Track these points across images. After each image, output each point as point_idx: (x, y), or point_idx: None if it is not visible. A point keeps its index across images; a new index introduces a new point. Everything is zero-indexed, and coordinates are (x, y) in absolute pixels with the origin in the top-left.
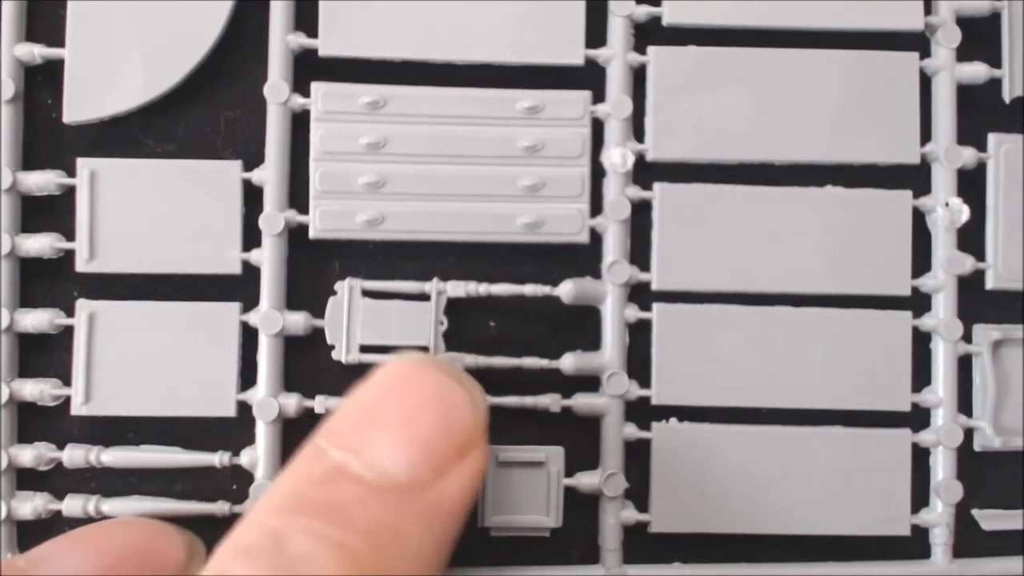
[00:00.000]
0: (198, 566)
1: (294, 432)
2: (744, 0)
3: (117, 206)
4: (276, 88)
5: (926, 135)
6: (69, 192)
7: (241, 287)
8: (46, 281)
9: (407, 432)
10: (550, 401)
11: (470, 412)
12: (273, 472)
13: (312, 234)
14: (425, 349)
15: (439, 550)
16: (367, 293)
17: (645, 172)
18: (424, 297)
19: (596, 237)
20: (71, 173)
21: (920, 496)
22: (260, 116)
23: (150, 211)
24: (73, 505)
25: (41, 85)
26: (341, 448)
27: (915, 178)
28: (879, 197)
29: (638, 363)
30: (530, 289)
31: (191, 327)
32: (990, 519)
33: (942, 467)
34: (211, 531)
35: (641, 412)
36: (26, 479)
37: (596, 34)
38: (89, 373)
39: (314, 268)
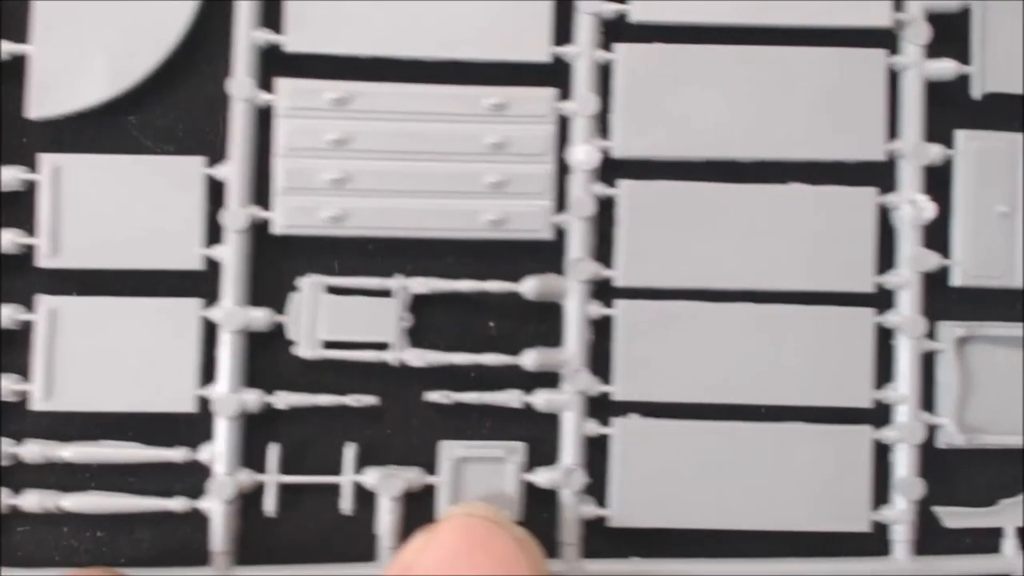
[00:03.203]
0: None
1: (255, 428)
2: None
3: (79, 202)
4: (241, 84)
5: (895, 132)
6: (31, 188)
7: (203, 283)
8: (7, 276)
9: None
10: (511, 397)
11: None
12: (232, 468)
13: (275, 230)
14: (388, 346)
15: None
16: (330, 289)
17: (610, 169)
18: (387, 293)
19: (561, 234)
20: (34, 169)
21: (882, 493)
22: (224, 112)
23: (112, 207)
24: (31, 500)
25: (5, 81)
26: None
27: (882, 175)
28: (844, 194)
29: (600, 359)
30: (493, 285)
31: (152, 323)
32: (953, 517)
33: (904, 464)
34: (170, 528)
35: (602, 408)
36: None
37: (563, 31)
38: (49, 369)
39: (277, 264)
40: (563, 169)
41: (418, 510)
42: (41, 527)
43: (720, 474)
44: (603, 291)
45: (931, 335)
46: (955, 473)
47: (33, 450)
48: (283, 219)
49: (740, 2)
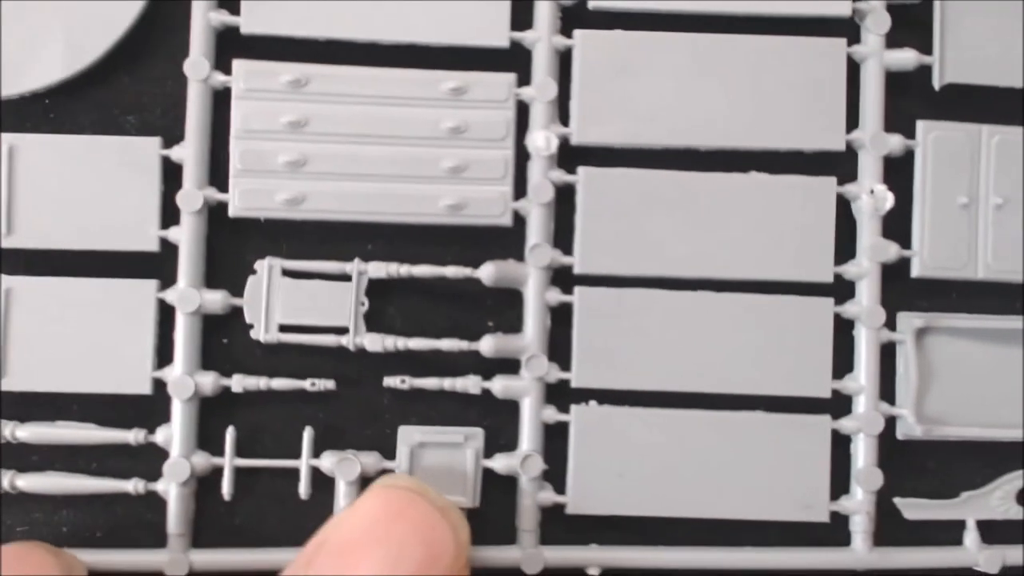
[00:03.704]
0: None
1: (211, 411)
2: None
3: (36, 182)
4: (197, 65)
5: (855, 122)
6: None
7: (160, 264)
8: None
9: (389, 571)
10: (470, 383)
11: (452, 550)
12: (188, 450)
13: (231, 212)
14: (345, 330)
15: None
16: (287, 273)
17: (569, 156)
18: (345, 278)
19: (520, 220)
20: None
21: (842, 484)
22: (181, 93)
23: (69, 187)
24: None
25: None
26: None
27: (843, 165)
28: (804, 184)
29: (559, 346)
30: (452, 271)
31: (108, 304)
32: (912, 508)
33: (863, 454)
34: (125, 508)
35: (561, 395)
36: None
37: (522, 17)
38: (5, 348)
39: (235, 247)
40: (522, 155)
41: None
42: None
43: (679, 462)
44: (562, 278)
45: (891, 326)
46: (916, 465)
47: None
48: (239, 201)
49: None
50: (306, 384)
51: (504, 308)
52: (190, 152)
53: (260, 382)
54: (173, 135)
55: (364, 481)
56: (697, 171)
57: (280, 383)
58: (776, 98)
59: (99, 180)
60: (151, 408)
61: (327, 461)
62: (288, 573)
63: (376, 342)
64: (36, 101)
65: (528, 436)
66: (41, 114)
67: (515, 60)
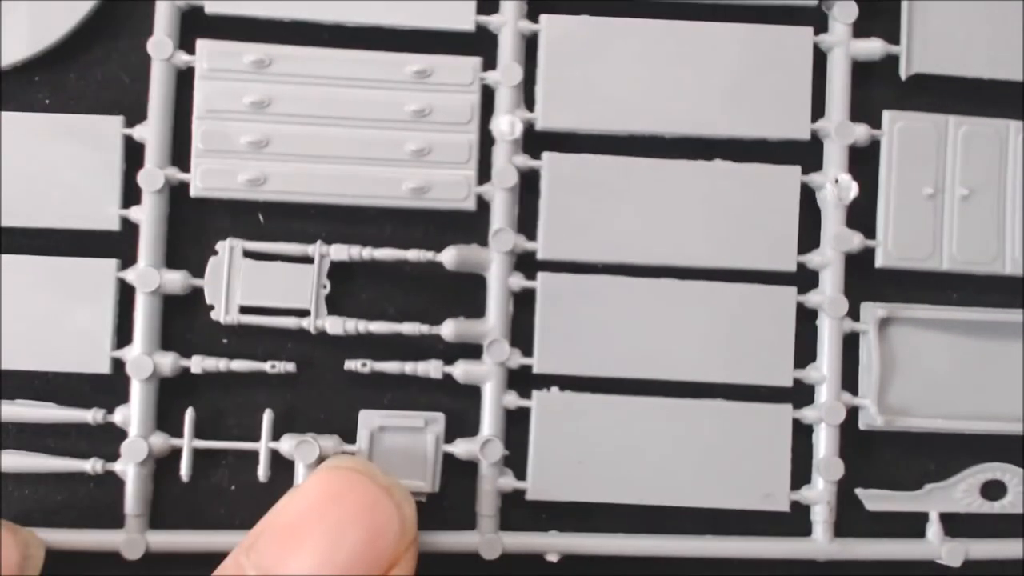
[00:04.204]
0: (34, 567)
1: (170, 391)
2: None
3: None
4: (160, 44)
5: (821, 111)
6: None
7: (120, 244)
8: None
9: (330, 555)
10: (431, 367)
11: (396, 528)
12: (146, 431)
13: (193, 192)
14: (306, 313)
15: None
16: (249, 254)
17: (534, 141)
18: (307, 260)
19: (484, 205)
20: None
21: (803, 473)
22: (144, 72)
23: (29, 165)
24: None
25: None
26: (261, 568)
27: (808, 154)
28: (768, 172)
29: (522, 332)
30: (414, 254)
31: (68, 282)
32: (874, 499)
33: (824, 444)
34: (83, 488)
35: (523, 380)
36: None
37: (488, 1)
38: None
39: (196, 227)
40: (487, 140)
41: None
42: None
43: (640, 450)
44: (526, 263)
45: (854, 316)
46: (878, 456)
47: None
48: (201, 181)
49: None
50: (266, 366)
51: (467, 293)
52: (152, 131)
53: (220, 363)
54: (136, 114)
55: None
56: (662, 158)
57: (240, 365)
58: (742, 86)
59: (60, 158)
60: (111, 388)
61: (286, 444)
62: (231, 556)
63: (337, 325)
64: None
65: (489, 421)
66: (4, 93)
67: (481, 44)
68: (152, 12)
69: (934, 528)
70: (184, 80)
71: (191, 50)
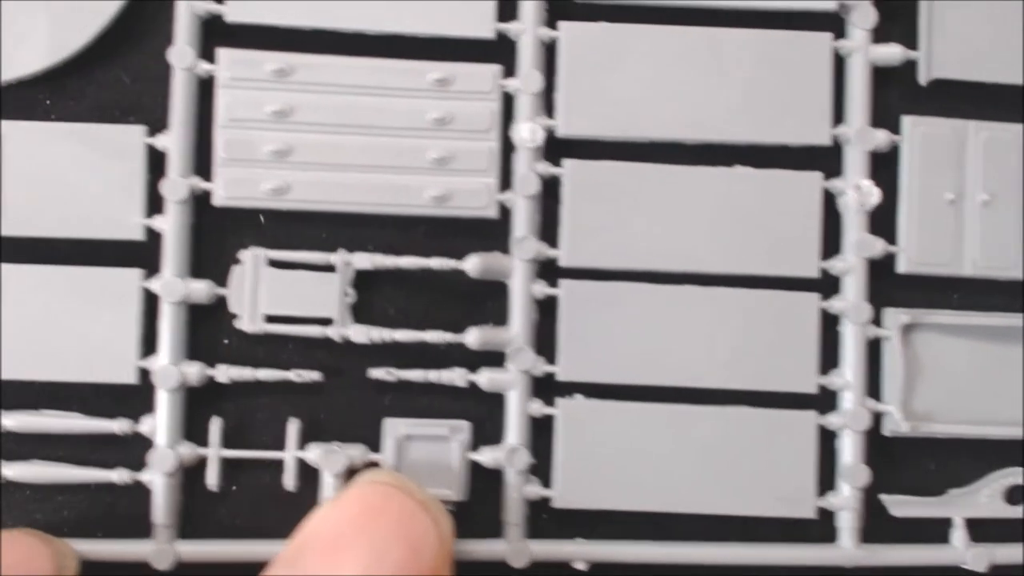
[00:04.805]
0: None
1: (196, 400)
2: None
3: (20, 169)
4: (182, 53)
5: (841, 117)
6: None
7: (144, 253)
8: None
9: (375, 571)
10: (456, 375)
11: (435, 544)
12: (173, 440)
13: (216, 202)
14: (331, 321)
15: None
16: (273, 263)
17: (555, 148)
18: (331, 268)
19: (505, 212)
20: None
21: (829, 480)
22: (166, 81)
23: (53, 175)
24: None
25: None
26: None
27: (828, 160)
28: (789, 178)
29: (545, 339)
30: (437, 263)
31: (93, 292)
32: (899, 505)
33: (849, 451)
34: (112, 498)
35: (547, 388)
36: None
37: (508, 8)
38: None
39: (220, 236)
40: (508, 147)
41: None
42: None
43: (665, 457)
44: (548, 271)
45: (877, 322)
46: (903, 461)
47: None
48: (224, 191)
49: None
50: (292, 375)
51: (489, 300)
52: (175, 140)
53: (245, 372)
54: (158, 123)
55: (350, 473)
56: (683, 164)
57: (265, 374)
58: (762, 92)
59: (84, 168)
60: (137, 398)
61: (313, 453)
62: (271, 573)
63: (362, 333)
64: (21, 89)
65: (514, 429)
66: (26, 102)
67: (501, 51)
68: (172, 21)
69: (959, 533)
70: (205, 88)
71: (211, 58)
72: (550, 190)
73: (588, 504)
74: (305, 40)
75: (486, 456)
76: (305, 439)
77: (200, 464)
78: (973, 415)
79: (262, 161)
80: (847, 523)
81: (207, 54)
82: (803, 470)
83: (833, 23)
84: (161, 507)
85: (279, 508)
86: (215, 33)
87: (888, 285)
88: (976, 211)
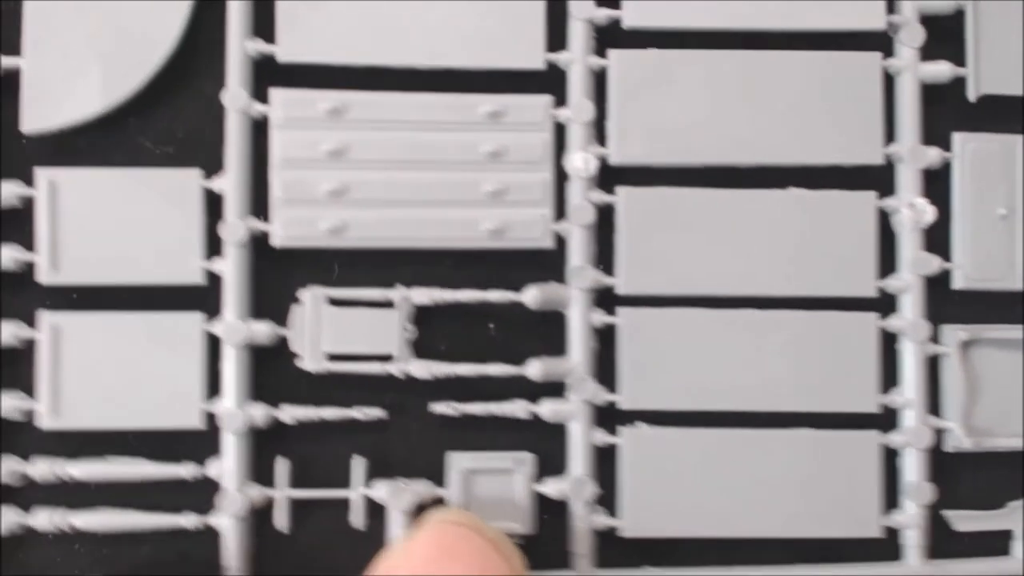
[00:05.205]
0: None
1: (262, 442)
2: (704, 2)
3: (78, 216)
4: (235, 95)
5: (891, 135)
6: (29, 203)
7: (205, 296)
8: (8, 293)
9: None
10: (518, 407)
11: None
12: (242, 483)
13: (274, 242)
14: (391, 358)
15: None
16: (332, 301)
17: (609, 176)
18: (390, 304)
19: (561, 242)
20: (30, 184)
21: (892, 498)
22: (219, 123)
23: (111, 221)
24: (42, 519)
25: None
26: None
27: (880, 178)
28: (843, 198)
29: (605, 368)
30: (495, 295)
31: (155, 338)
32: (962, 520)
33: (912, 468)
34: (179, 543)
35: (609, 417)
36: None
37: (556, 38)
38: (55, 386)
39: (279, 276)
40: (561, 177)
41: None
42: (52, 545)
43: (729, 482)
44: (605, 299)
45: (935, 339)
46: (962, 476)
47: (41, 468)
48: (282, 231)
49: (733, 7)
50: (355, 413)
51: (547, 331)
52: (231, 183)
53: (310, 412)
54: (213, 166)
55: (417, 509)
56: (736, 188)
57: (330, 412)
58: (813, 113)
59: (141, 213)
60: (196, 441)
61: (380, 491)
62: None
63: (424, 368)
64: (75, 135)
65: (578, 459)
66: (80, 148)
67: (551, 81)
68: (225, 62)
69: (1019, 544)
70: (259, 129)
71: (264, 98)
72: (604, 218)
73: (655, 532)
74: (356, 77)
75: (551, 488)
76: (370, 476)
77: (268, 505)
78: None
79: (319, 200)
80: (912, 541)
81: (259, 94)
82: (867, 489)
83: (882, 42)
84: (231, 550)
85: (347, 546)
86: (266, 72)
87: (943, 301)
88: None
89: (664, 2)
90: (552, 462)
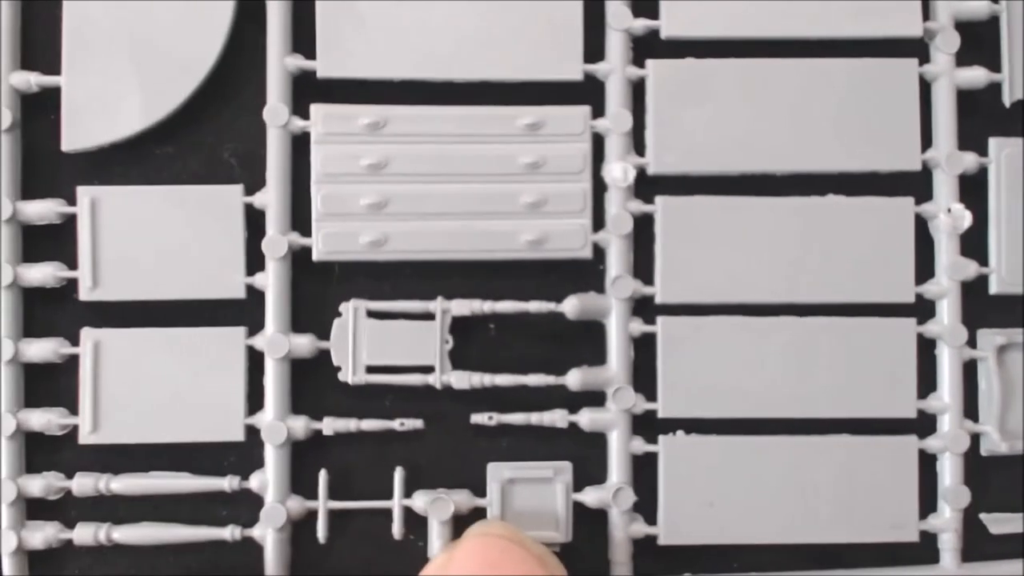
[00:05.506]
0: None
1: (303, 454)
2: (741, 11)
3: (118, 233)
4: (275, 111)
5: (927, 141)
6: (70, 220)
7: (246, 311)
8: (49, 310)
9: None
10: (557, 417)
11: None
12: (283, 495)
13: (315, 256)
14: (431, 369)
15: None
16: (372, 314)
17: (647, 186)
18: (429, 316)
19: (599, 252)
20: (71, 201)
21: (928, 502)
22: (260, 139)
23: (152, 237)
24: (84, 534)
25: (38, 113)
26: None
27: (917, 184)
28: (881, 205)
29: (644, 377)
30: (534, 306)
31: (197, 352)
32: (998, 523)
33: (949, 473)
34: (223, 556)
35: (648, 425)
36: (35, 509)
37: (594, 48)
38: (96, 401)
39: (319, 290)
40: (599, 187)
41: None
42: (94, 559)
43: (768, 488)
44: (644, 308)
45: (971, 343)
46: (998, 479)
47: (83, 483)
48: (323, 245)
49: (771, 14)
50: (395, 424)
51: (584, 340)
52: (272, 198)
53: (351, 424)
54: (254, 181)
55: (456, 519)
56: (774, 196)
57: (369, 424)
58: (850, 120)
59: (182, 229)
60: (236, 453)
61: (420, 501)
62: None
63: (463, 379)
64: (116, 153)
65: (617, 468)
66: (121, 166)
67: (589, 92)
68: (264, 78)
69: None
70: (299, 144)
71: (303, 112)
72: (642, 227)
73: (694, 540)
74: (395, 91)
75: (590, 496)
76: (409, 487)
77: (308, 517)
78: None
79: (359, 214)
80: (949, 544)
81: (299, 109)
82: (906, 494)
83: (917, 49)
84: (272, 562)
85: (387, 557)
86: (307, 88)
87: (980, 306)
88: None
89: (701, 12)
90: (590, 471)
